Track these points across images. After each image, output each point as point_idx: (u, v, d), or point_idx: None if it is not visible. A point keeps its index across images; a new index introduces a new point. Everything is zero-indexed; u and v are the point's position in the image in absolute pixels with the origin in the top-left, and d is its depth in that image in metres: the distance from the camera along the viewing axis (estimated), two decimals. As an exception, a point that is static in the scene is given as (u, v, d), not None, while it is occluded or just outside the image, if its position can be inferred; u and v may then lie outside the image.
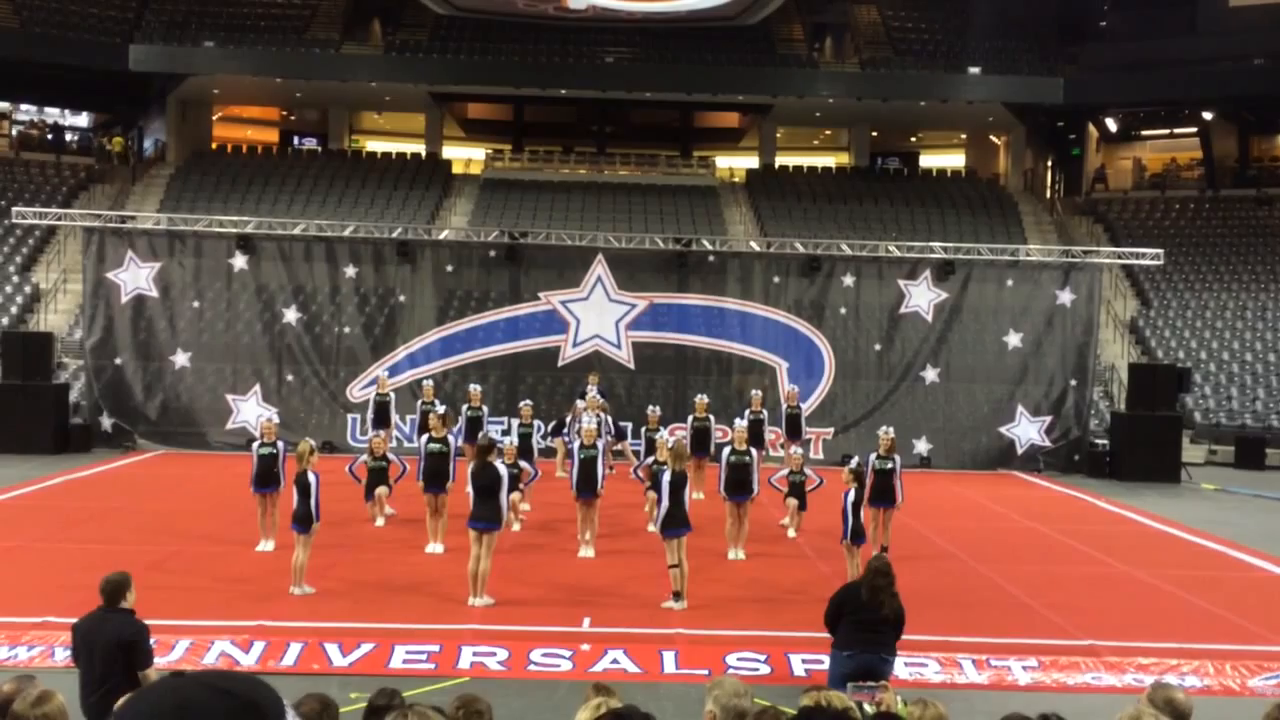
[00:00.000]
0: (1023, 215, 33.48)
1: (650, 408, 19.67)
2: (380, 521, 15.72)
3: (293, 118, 39.78)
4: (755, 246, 25.57)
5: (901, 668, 9.50)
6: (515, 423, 19.28)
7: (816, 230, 29.17)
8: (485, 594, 11.59)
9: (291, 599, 11.56)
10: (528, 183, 33.50)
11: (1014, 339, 23.71)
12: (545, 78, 33.53)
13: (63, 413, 22.85)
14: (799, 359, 23.74)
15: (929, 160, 39.60)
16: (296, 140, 38.50)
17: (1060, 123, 37.52)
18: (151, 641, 7.18)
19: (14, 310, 27.58)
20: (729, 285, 24.01)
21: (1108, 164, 37.67)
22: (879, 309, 23.91)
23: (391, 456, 16.05)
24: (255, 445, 14.14)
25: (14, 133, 35.37)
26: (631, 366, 23.65)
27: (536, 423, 18.99)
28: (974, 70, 33.14)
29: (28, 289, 28.26)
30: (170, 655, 9.35)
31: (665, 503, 11.78)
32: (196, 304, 23.34)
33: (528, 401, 19.25)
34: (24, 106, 36.82)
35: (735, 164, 37.41)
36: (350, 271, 23.61)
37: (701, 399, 19.70)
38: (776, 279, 24.02)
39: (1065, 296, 23.70)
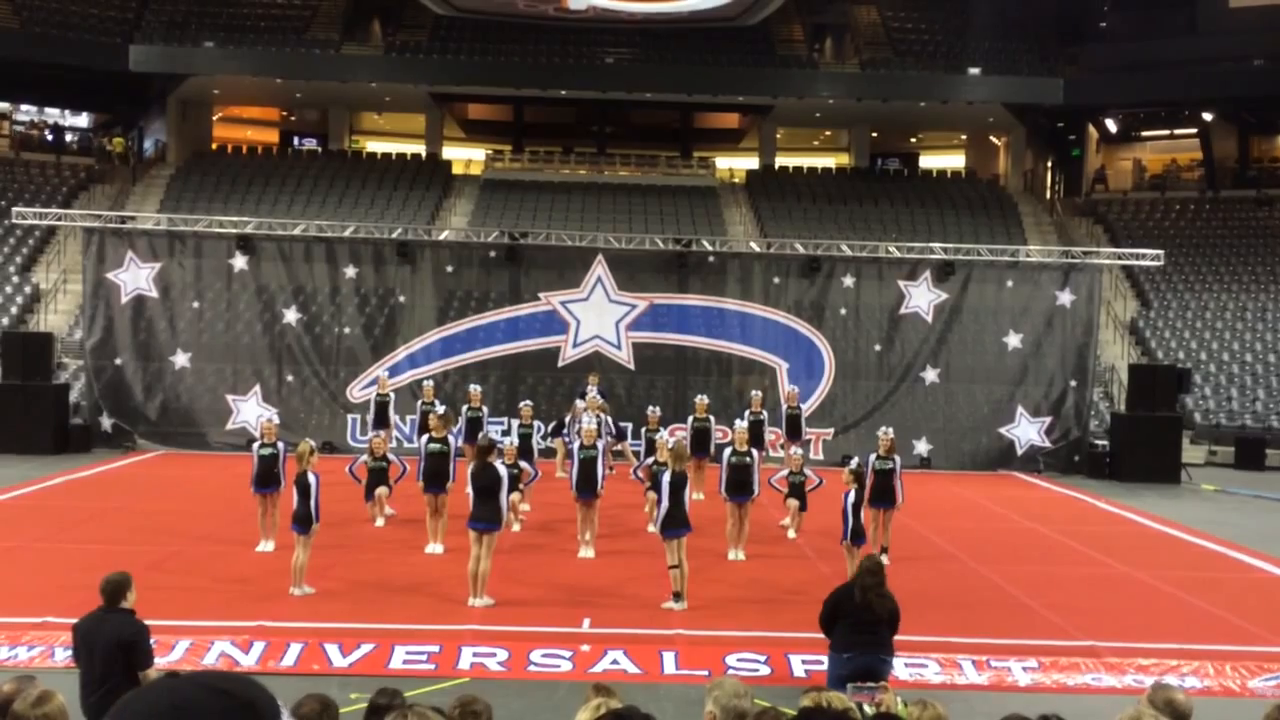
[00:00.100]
0: (1023, 216, 33.49)
1: (650, 408, 19.68)
2: (380, 522, 15.72)
3: (293, 118, 39.79)
4: (755, 247, 25.58)
5: (901, 668, 9.51)
6: (515, 423, 19.29)
7: (816, 231, 29.18)
8: (485, 594, 11.59)
9: (291, 599, 11.56)
10: (528, 183, 33.51)
11: (1014, 340, 23.71)
12: (545, 78, 33.55)
13: (63, 413, 22.86)
14: (799, 360, 23.74)
15: (929, 161, 39.61)
16: (296, 141, 38.52)
17: (1060, 123, 37.54)
18: (151, 642, 7.18)
19: (14, 310, 27.59)
20: (729, 286, 24.02)
21: (1108, 165, 37.68)
22: (879, 310, 23.91)
23: (392, 457, 16.05)
24: (256, 446, 14.14)
25: (14, 133, 35.37)
26: (631, 367, 23.65)
27: (536, 423, 18.98)
28: (974, 71, 33.15)
29: (28, 289, 28.27)
30: (170, 655, 9.35)
31: (665, 503, 11.78)
32: (196, 304, 23.34)
33: (528, 402, 19.25)
34: (24, 107, 36.83)
35: (735, 165, 37.42)
36: (350, 272, 23.62)
37: (701, 399, 19.71)
38: (776, 280, 24.03)
39: (1065, 297, 23.70)
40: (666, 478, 11.88)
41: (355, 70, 33.44)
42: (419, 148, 36.90)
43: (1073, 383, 23.70)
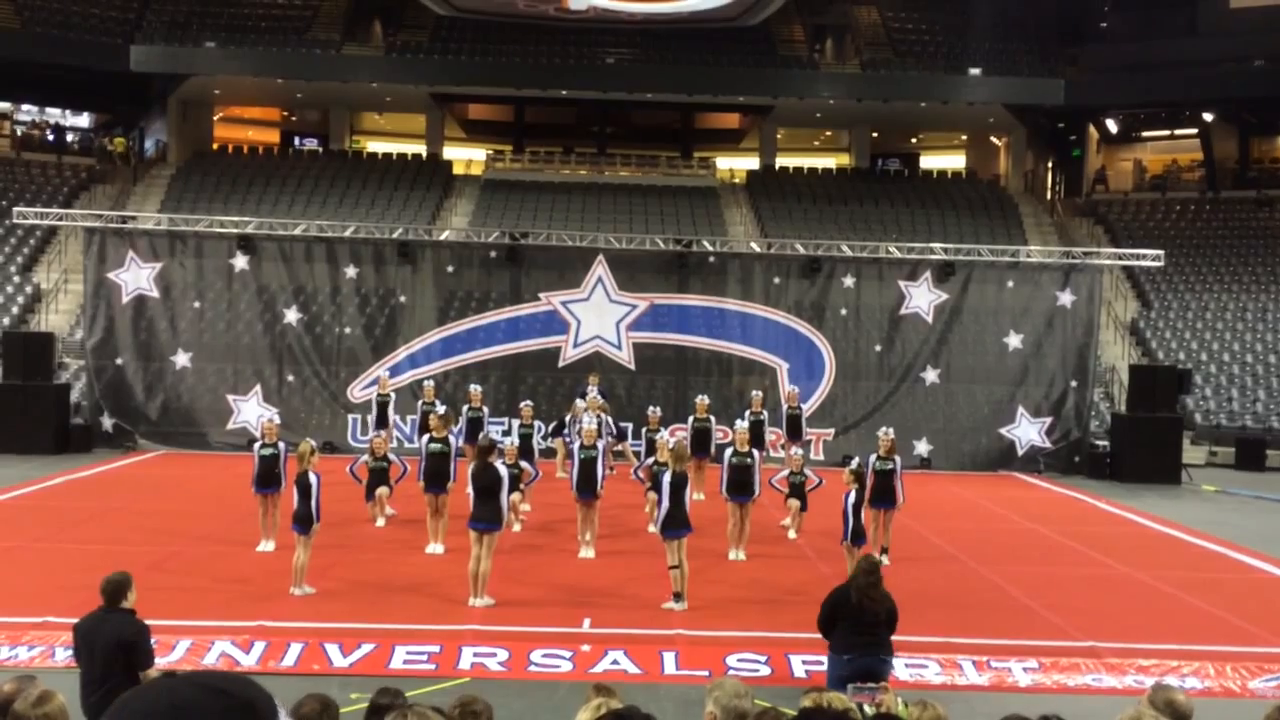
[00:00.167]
0: (1023, 216, 33.49)
1: (651, 408, 19.69)
2: (381, 522, 15.73)
3: (294, 118, 39.80)
4: (756, 247, 25.58)
5: (902, 669, 9.51)
6: (516, 423, 19.32)
7: (817, 231, 29.18)
8: (486, 594, 11.59)
9: (292, 599, 11.57)
10: (528, 183, 33.52)
11: (1014, 340, 23.71)
12: (546, 79, 33.55)
13: (64, 413, 22.86)
14: (799, 360, 23.74)
15: (929, 161, 39.61)
16: (297, 141, 38.51)
17: (1061, 124, 37.54)
18: (152, 642, 7.18)
19: (15, 310, 27.60)
20: (729, 286, 24.02)
21: (1108, 165, 37.68)
22: (879, 310, 23.91)
23: (392, 457, 16.06)
24: (257, 446, 14.14)
25: (15, 133, 35.39)
26: (632, 367, 23.65)
27: (537, 423, 19.02)
28: (974, 71, 33.15)
29: (29, 289, 28.28)
30: (171, 655, 9.35)
31: (666, 504, 11.78)
32: (197, 304, 23.35)
33: (528, 402, 19.27)
34: (25, 107, 36.85)
35: (736, 165, 37.41)
36: (351, 272, 23.63)
37: (702, 400, 19.70)
38: (777, 280, 24.03)
39: (1066, 298, 23.70)
40: (667, 478, 11.88)
41: (356, 70, 33.45)
42: (420, 148, 36.91)
43: (1073, 383, 23.70)
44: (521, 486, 15.29)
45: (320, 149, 37.21)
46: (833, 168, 37.57)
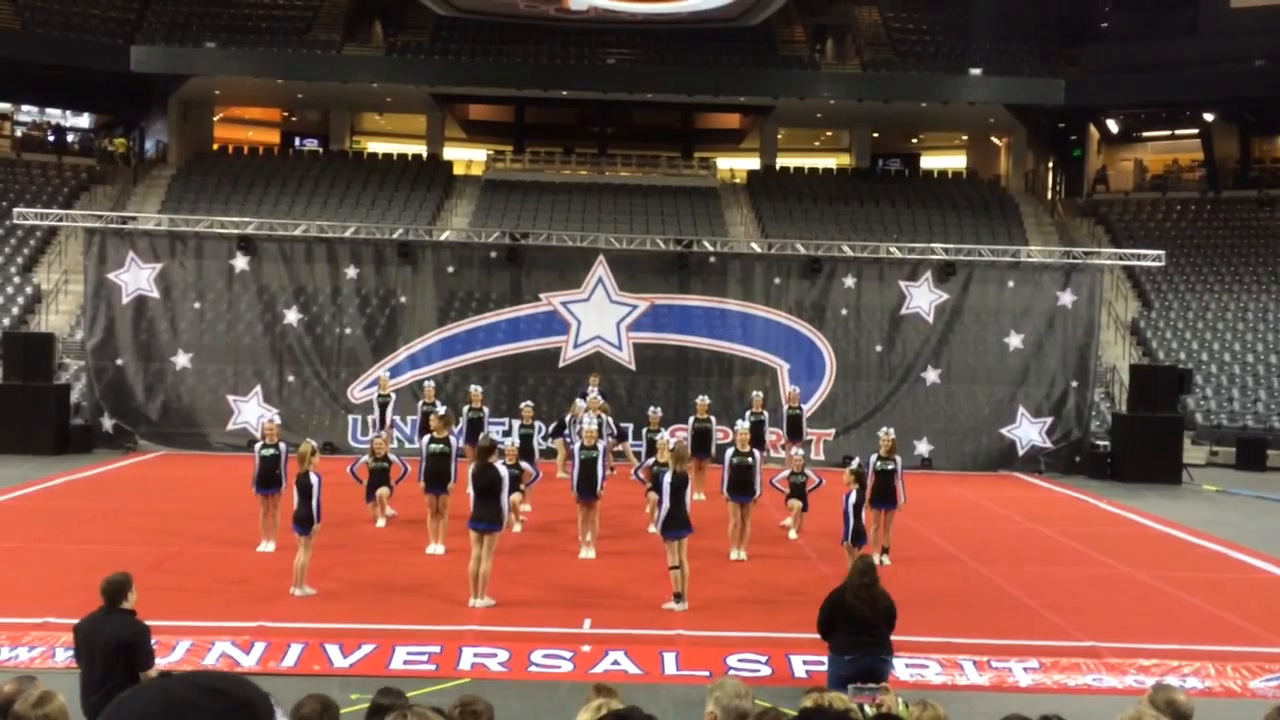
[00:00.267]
0: (1024, 216, 33.48)
1: (651, 409, 19.69)
2: (381, 522, 15.73)
3: (294, 119, 39.80)
4: (756, 248, 25.58)
5: (902, 669, 9.52)
6: (516, 424, 19.32)
7: (818, 231, 29.17)
8: (486, 595, 11.59)
9: (292, 600, 11.57)
10: (529, 184, 33.51)
11: (1015, 340, 23.70)
12: (546, 79, 33.55)
13: (64, 414, 22.86)
14: (800, 360, 23.73)
15: (930, 161, 39.60)
16: (298, 141, 38.51)
17: (1061, 124, 37.52)
18: (152, 642, 7.18)
19: (15, 311, 27.60)
20: (730, 286, 24.01)
21: (1109, 165, 37.67)
22: (880, 310, 23.91)
23: (393, 457, 16.06)
24: (258, 446, 14.15)
25: (16, 134, 35.40)
26: (632, 367, 23.65)
27: (537, 424, 19.02)
28: (975, 72, 33.15)
29: (29, 290, 28.28)
30: (171, 656, 9.35)
31: (666, 504, 11.77)
32: (198, 305, 23.35)
33: (529, 402, 19.28)
34: (25, 107, 36.86)
35: (736, 165, 37.41)
36: (351, 272, 23.63)
37: (703, 400, 19.69)
38: (777, 280, 24.02)
39: (1066, 298, 23.69)
40: (667, 478, 11.88)
41: (356, 71, 33.45)
42: (420, 148, 36.91)
43: (1074, 383, 23.69)
44: (522, 487, 15.28)
45: (320, 149, 37.21)
46: (833, 168, 37.56)
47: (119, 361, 23.05)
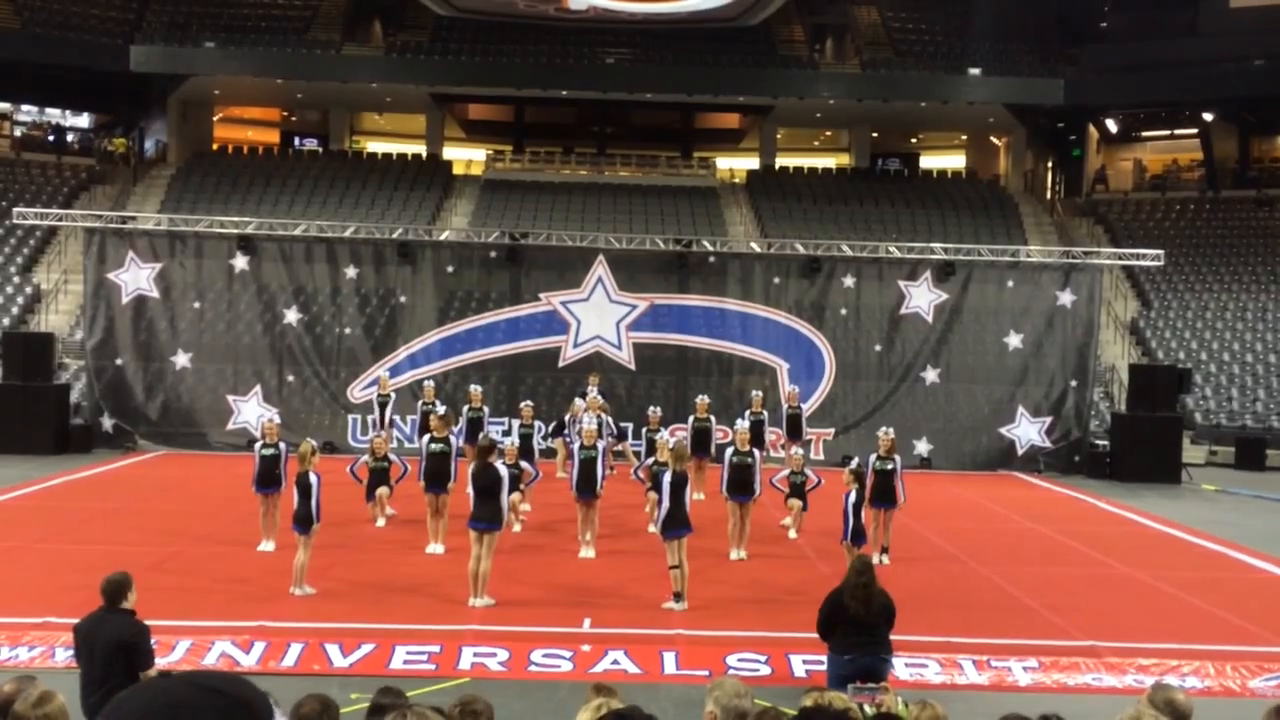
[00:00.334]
0: (1023, 216, 33.49)
1: (651, 408, 19.69)
2: (381, 522, 15.73)
3: (293, 119, 39.81)
4: (756, 247, 25.58)
5: (902, 668, 9.52)
6: (516, 423, 19.33)
7: (817, 231, 29.18)
8: (486, 594, 11.59)
9: (292, 599, 11.57)
10: (528, 184, 33.52)
11: (1014, 340, 23.71)
12: (546, 79, 33.55)
13: (64, 413, 22.86)
14: (799, 360, 23.74)
15: (929, 161, 39.61)
16: (297, 141, 38.53)
17: (1061, 124, 37.54)
18: (152, 642, 7.19)
19: (15, 311, 27.60)
20: (729, 286, 24.02)
21: (1108, 165, 37.68)
22: (879, 310, 23.91)
23: (393, 457, 16.06)
24: (258, 446, 14.15)
25: (15, 133, 35.39)
26: (632, 367, 23.65)
27: (537, 423, 19.03)
28: (974, 71, 33.15)
29: (29, 290, 28.28)
30: (171, 656, 9.35)
31: (666, 504, 11.78)
32: (197, 305, 23.35)
33: (528, 402, 19.29)
34: (25, 107, 36.86)
35: (736, 165, 37.41)
36: (351, 272, 23.63)
37: (702, 400, 19.70)
38: (777, 280, 24.03)
39: (1066, 297, 23.70)
40: (667, 478, 11.88)
41: (356, 71, 33.45)
42: (420, 148, 36.91)
43: (1073, 383, 23.69)
44: (522, 486, 15.29)
45: (320, 149, 37.22)
46: (833, 168, 37.57)
47: (119, 361, 23.06)
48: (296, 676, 9.03)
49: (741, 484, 14.27)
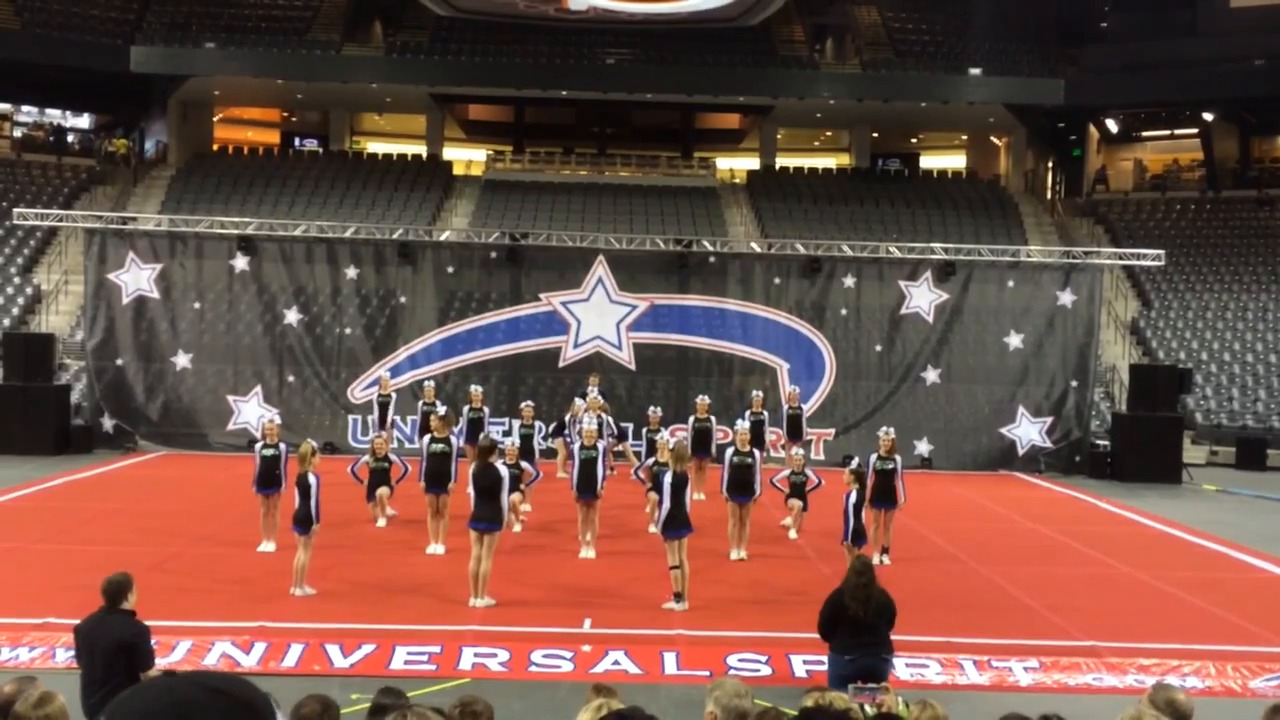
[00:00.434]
0: (1023, 216, 33.50)
1: (651, 409, 19.69)
2: (381, 522, 15.73)
3: (294, 119, 39.82)
4: (756, 248, 25.58)
5: (903, 669, 9.52)
6: (516, 424, 19.33)
7: (817, 231, 29.18)
8: (486, 595, 11.59)
9: (292, 600, 11.57)
10: (529, 184, 33.53)
11: (1015, 340, 23.71)
12: (546, 79, 33.56)
13: (64, 414, 22.86)
14: (800, 360, 23.74)
15: (930, 161, 39.62)
16: (297, 141, 38.55)
17: (1061, 124, 37.53)
18: (152, 643, 7.19)
19: (15, 311, 27.61)
20: (730, 286, 24.02)
21: (1108, 165, 37.68)
22: (880, 310, 23.91)
23: (393, 457, 16.05)
24: (258, 446, 14.15)
25: (16, 134, 35.40)
26: (632, 367, 23.65)
27: (537, 424, 19.03)
28: (975, 71, 33.16)
29: (29, 290, 28.29)
30: (171, 656, 9.35)
31: (666, 504, 11.77)
32: (198, 305, 23.35)
33: (529, 402, 19.29)
34: (25, 108, 36.86)
35: (736, 165, 37.43)
36: (351, 273, 23.63)
37: (703, 400, 19.70)
38: (777, 280, 24.03)
39: (1066, 297, 23.70)
40: (668, 478, 11.88)
41: (356, 71, 33.46)
42: (420, 148, 36.93)
43: (1074, 383, 23.69)
44: (522, 487, 15.29)
45: (320, 150, 37.24)
46: (833, 168, 37.58)
47: (119, 362, 23.06)
48: (297, 677, 9.02)
49: (741, 484, 14.27)
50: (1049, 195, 37.63)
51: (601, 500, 14.53)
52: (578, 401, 19.89)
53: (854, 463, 14.76)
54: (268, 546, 13.80)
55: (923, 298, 23.80)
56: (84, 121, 37.99)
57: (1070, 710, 5.55)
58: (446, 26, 34.14)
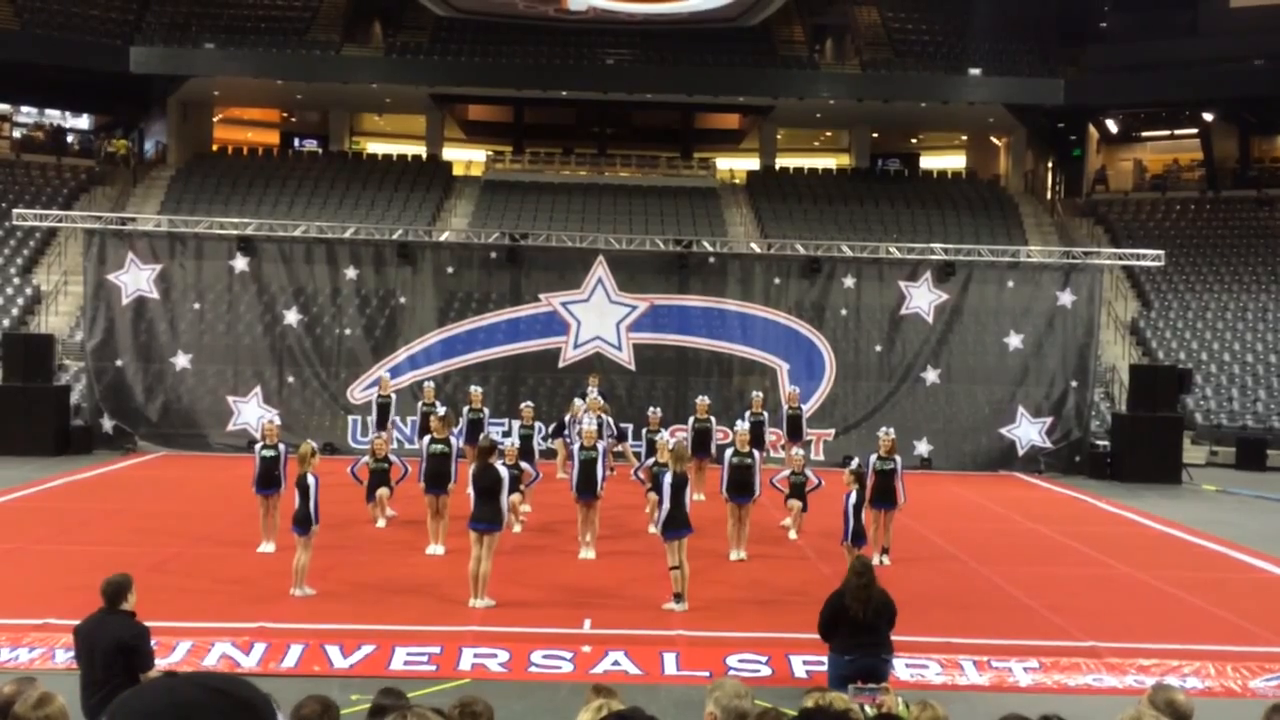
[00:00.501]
0: (1023, 216, 33.50)
1: (651, 409, 19.69)
2: (381, 523, 15.73)
3: (293, 119, 39.82)
4: (756, 248, 25.59)
5: (903, 669, 9.52)
6: (516, 424, 19.32)
7: (817, 232, 29.18)
8: (486, 595, 11.59)
9: (292, 600, 11.57)
10: (528, 184, 33.53)
11: (1015, 340, 23.71)
12: (546, 79, 33.56)
13: (64, 415, 22.86)
14: (800, 360, 23.74)
15: (929, 161, 39.62)
16: (297, 142, 38.56)
17: (1061, 124, 37.53)
18: (152, 644, 7.18)
19: (15, 312, 27.61)
20: (729, 287, 24.02)
21: (1108, 165, 37.68)
22: (879, 310, 23.91)
23: (393, 458, 16.05)
24: (258, 447, 14.15)
25: (15, 135, 35.40)
26: (632, 368, 23.65)
27: (537, 424, 19.03)
28: (975, 72, 33.16)
29: (29, 291, 28.29)
30: (171, 657, 9.35)
31: (666, 504, 11.77)
32: (197, 306, 23.35)
33: (529, 403, 19.28)
34: (25, 108, 36.86)
35: (736, 165, 37.43)
36: (351, 273, 23.63)
37: (702, 400, 19.70)
38: (777, 280, 24.03)
39: (1066, 298, 23.70)
40: (667, 479, 11.88)
41: (356, 72, 33.46)
42: (419, 149, 36.93)
43: (1074, 383, 23.69)
44: (522, 487, 15.29)
45: (320, 150, 37.25)
46: (833, 168, 37.58)
47: (119, 362, 23.05)
48: (297, 678, 9.02)
49: (741, 485, 14.27)
50: (1049, 195, 37.63)
51: (601, 501, 14.53)
52: (577, 402, 19.89)
53: (854, 463, 14.76)
54: (267, 547, 13.80)
55: (923, 298, 23.80)
56: (84, 122, 38.00)
57: (1070, 711, 5.55)
58: (446, 27, 34.15)
